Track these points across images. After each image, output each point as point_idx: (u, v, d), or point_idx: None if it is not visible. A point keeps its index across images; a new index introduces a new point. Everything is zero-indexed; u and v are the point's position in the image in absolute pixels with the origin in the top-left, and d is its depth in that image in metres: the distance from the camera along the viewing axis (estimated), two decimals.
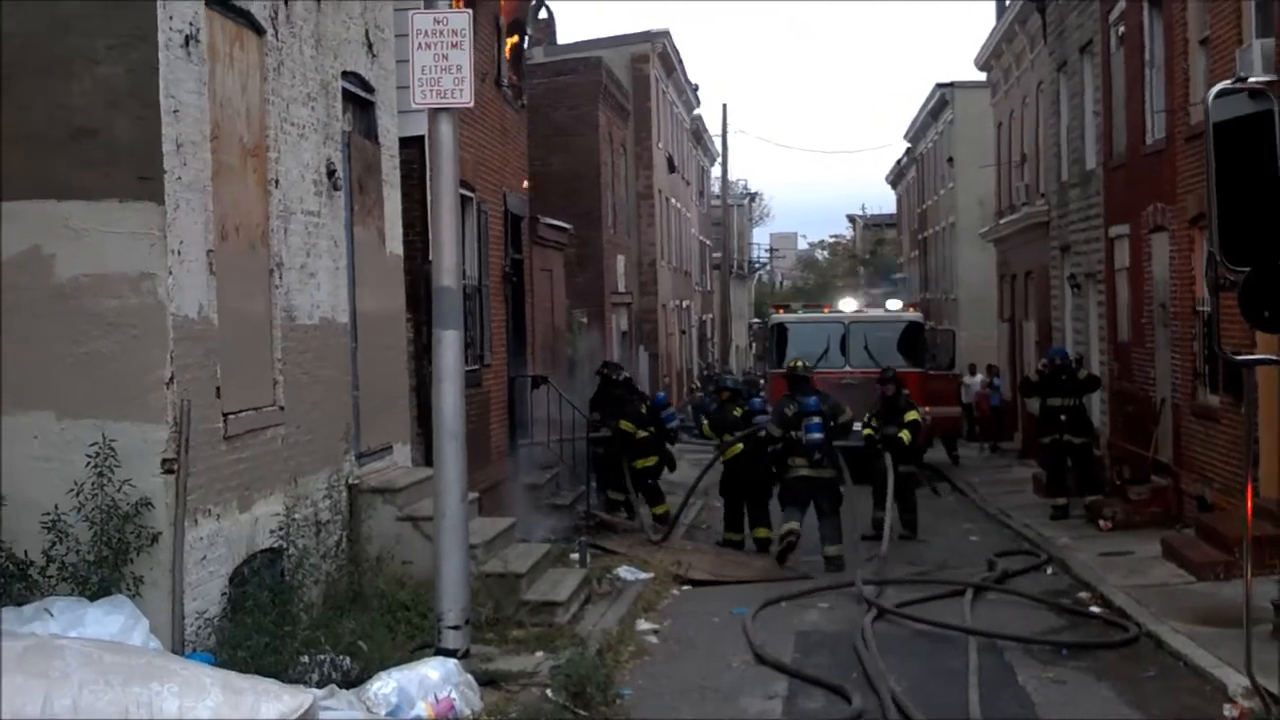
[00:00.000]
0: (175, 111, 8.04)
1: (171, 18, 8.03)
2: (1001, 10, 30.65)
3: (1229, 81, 6.04)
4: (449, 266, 9.49)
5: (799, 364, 17.13)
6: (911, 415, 17.79)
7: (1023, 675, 10.20)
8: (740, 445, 16.63)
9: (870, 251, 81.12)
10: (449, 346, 9.43)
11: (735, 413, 16.94)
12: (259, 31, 9.58)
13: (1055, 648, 11.11)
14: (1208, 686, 9.54)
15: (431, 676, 7.81)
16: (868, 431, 17.81)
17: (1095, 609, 12.57)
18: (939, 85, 41.95)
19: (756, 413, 17.03)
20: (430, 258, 11.57)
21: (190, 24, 8.30)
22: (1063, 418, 18.54)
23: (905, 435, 17.48)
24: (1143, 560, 14.39)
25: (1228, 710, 8.87)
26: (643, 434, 17.86)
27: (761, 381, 30.39)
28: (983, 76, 34.56)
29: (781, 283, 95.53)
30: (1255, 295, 6.12)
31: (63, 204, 7.80)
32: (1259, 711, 8.46)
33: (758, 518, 16.74)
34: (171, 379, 7.83)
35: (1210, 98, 5.89)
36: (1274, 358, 9.31)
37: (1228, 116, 5.86)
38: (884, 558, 15.41)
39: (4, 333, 7.77)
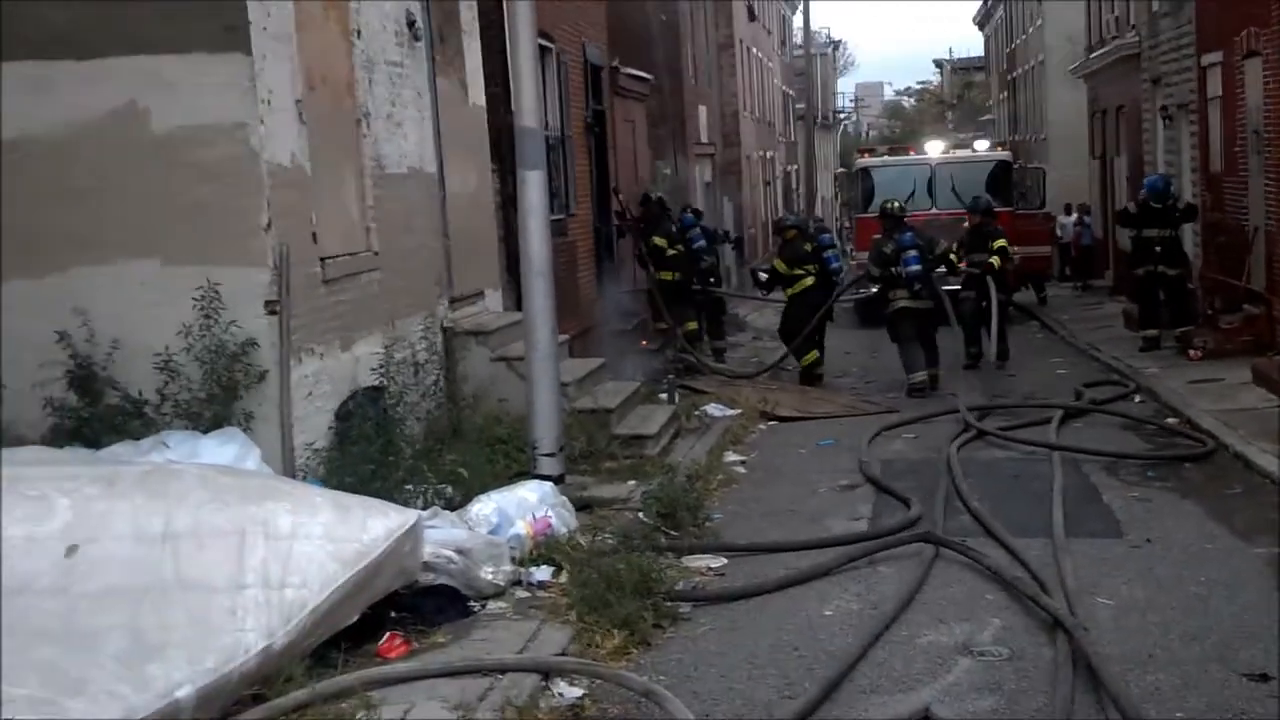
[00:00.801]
0: None
1: None
2: None
3: None
4: (530, 107, 9.66)
5: (893, 204, 17.53)
6: (1000, 242, 18.18)
7: (1108, 495, 10.35)
8: (812, 278, 17.27)
9: (958, 96, 79.32)
10: (533, 186, 9.64)
11: (806, 248, 17.54)
12: None
13: (1141, 468, 11.24)
14: None
15: (529, 498, 8.15)
16: (951, 257, 17.95)
17: (1182, 431, 12.64)
18: None
19: (826, 247, 17.88)
20: (512, 107, 11.72)
21: None
22: (1158, 249, 18.27)
23: (995, 261, 17.85)
24: (1232, 386, 14.35)
25: None
26: (672, 251, 18.72)
27: (847, 226, 30.23)
28: None
29: (868, 132, 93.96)
30: None
31: (154, 58, 8.02)
32: None
33: (812, 342, 17.22)
34: (269, 224, 8.11)
35: None
36: None
37: None
38: (993, 362, 17.10)
39: (107, 184, 8.09)
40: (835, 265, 17.99)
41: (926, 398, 15.55)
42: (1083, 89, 33.09)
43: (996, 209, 20.90)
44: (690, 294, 19.08)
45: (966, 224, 18.90)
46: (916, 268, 16.26)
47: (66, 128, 8.09)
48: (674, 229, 19.21)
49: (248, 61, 8.06)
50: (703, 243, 19.80)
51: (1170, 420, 13.34)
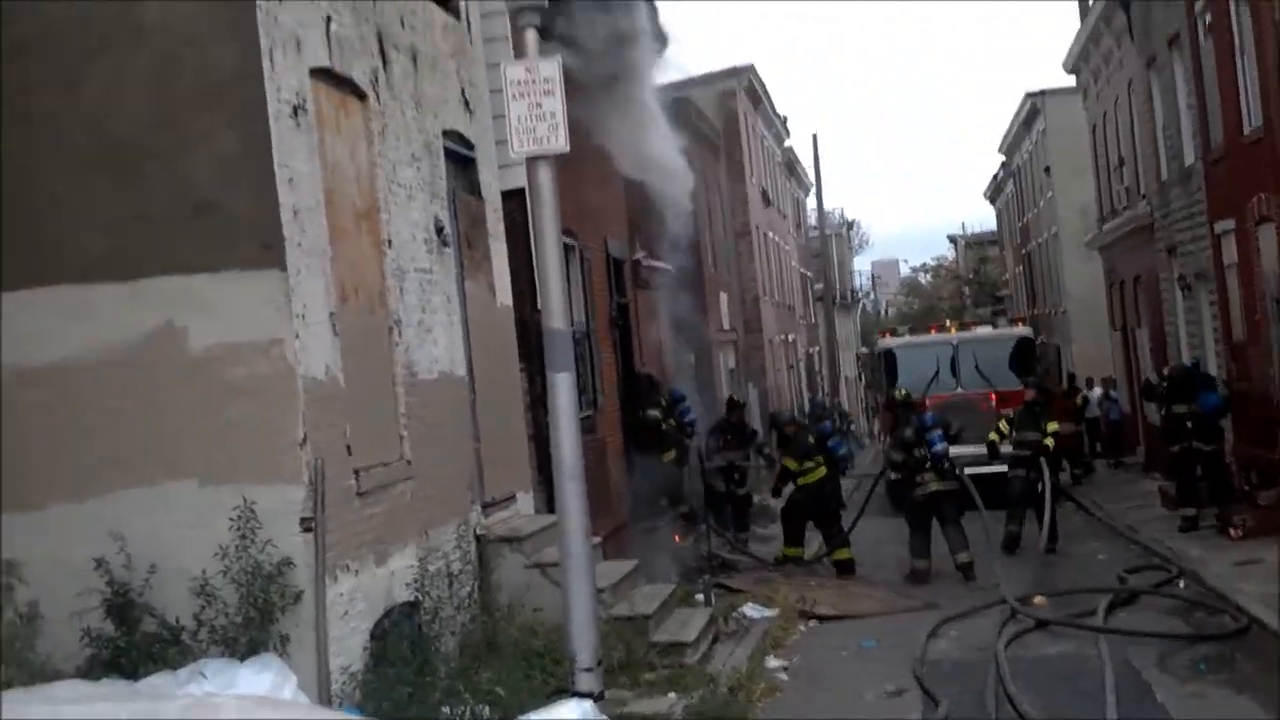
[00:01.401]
0: (290, 180, 8.30)
1: (279, 89, 8.31)
2: (1085, 11, 30.29)
3: None
4: (557, 309, 9.67)
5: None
6: (1054, 425, 18.40)
7: (1161, 691, 10.05)
8: (823, 468, 17.77)
9: (974, 271, 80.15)
10: (563, 388, 9.59)
11: (809, 440, 18.13)
12: (361, 97, 9.86)
13: (1192, 661, 10.93)
14: None
15: None
16: (992, 437, 18.18)
17: (1230, 619, 12.31)
18: (1029, 94, 41.49)
19: (828, 435, 18.63)
20: (539, 306, 11.78)
21: (297, 94, 8.58)
22: (1189, 424, 18.14)
23: (1050, 441, 17.97)
24: (1275, 568, 14.02)
25: None
26: (664, 426, 18.93)
27: (871, 410, 30.25)
28: (1072, 81, 34.12)
29: (886, 310, 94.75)
30: None
31: (191, 278, 8.08)
32: None
33: (835, 537, 17.54)
34: (305, 439, 8.05)
35: None
36: None
37: None
38: (1051, 548, 17.04)
39: (145, 405, 8.06)
40: (842, 452, 18.79)
41: (969, 587, 15.29)
42: (1099, 260, 33.35)
43: (1017, 387, 20.98)
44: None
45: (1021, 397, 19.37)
46: (942, 446, 16.58)
47: (107, 350, 8.10)
48: (663, 402, 19.38)
49: (283, 278, 8.11)
50: (693, 417, 20.02)
51: (1217, 606, 12.99)
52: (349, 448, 8.73)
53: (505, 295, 13.29)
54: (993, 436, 18.09)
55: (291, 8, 8.57)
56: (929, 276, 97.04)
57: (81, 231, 8.12)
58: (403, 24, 10.78)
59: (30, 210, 8.10)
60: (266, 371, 8.05)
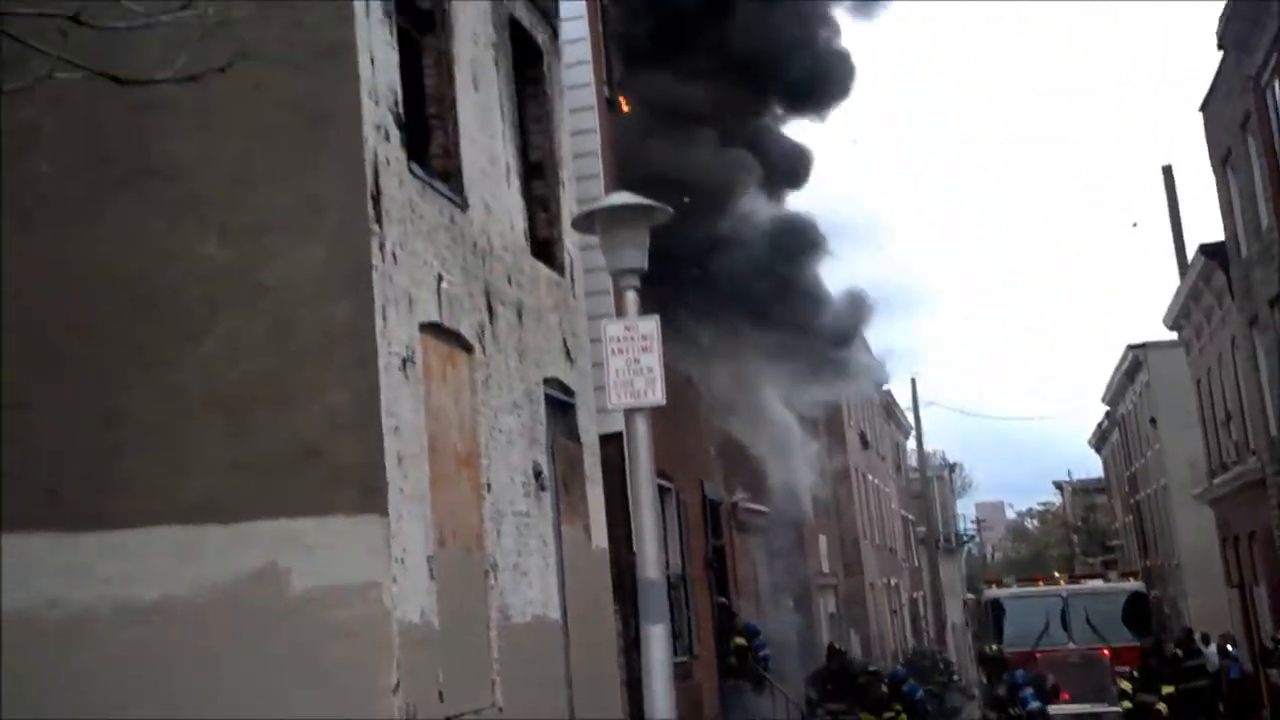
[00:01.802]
0: (396, 429, 8.63)
1: (390, 344, 8.73)
2: (1185, 269, 30.46)
3: None
4: (651, 559, 9.71)
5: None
6: (1169, 689, 17.95)
7: None
8: (904, 716, 17.82)
9: (1082, 519, 78.57)
10: (657, 641, 9.52)
11: (883, 690, 18.14)
12: (468, 349, 10.28)
13: None
14: None
15: None
16: (1125, 703, 17.82)
17: None
18: (1131, 346, 41.37)
19: (902, 681, 18.72)
20: (634, 549, 11.86)
21: (406, 348, 8.99)
22: None
23: (1162, 707, 17.58)
24: None
25: None
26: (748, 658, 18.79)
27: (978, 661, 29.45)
28: (1174, 335, 34.06)
29: (992, 555, 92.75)
30: None
31: (295, 521, 8.36)
32: None
33: None
34: (397, 685, 8.12)
35: None
36: None
37: None
38: None
39: (240, 646, 8.23)
40: (919, 696, 18.71)
41: None
42: (1211, 513, 32.56)
43: (1130, 643, 20.44)
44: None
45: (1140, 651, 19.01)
46: (1037, 704, 16.61)
47: (209, 590, 8.35)
48: (743, 632, 19.29)
49: (384, 523, 8.34)
50: (768, 652, 19.75)
51: None
52: (441, 694, 8.77)
53: (600, 537, 13.42)
54: (1124, 703, 17.86)
55: (405, 268, 9.08)
56: (1035, 522, 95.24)
57: (191, 474, 8.48)
58: (509, 281, 11.30)
59: (142, 452, 8.50)
60: (363, 614, 8.21)
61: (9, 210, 8.64)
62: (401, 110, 9.37)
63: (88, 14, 6.10)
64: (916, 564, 52.95)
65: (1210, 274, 26.99)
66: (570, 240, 13.08)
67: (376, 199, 8.75)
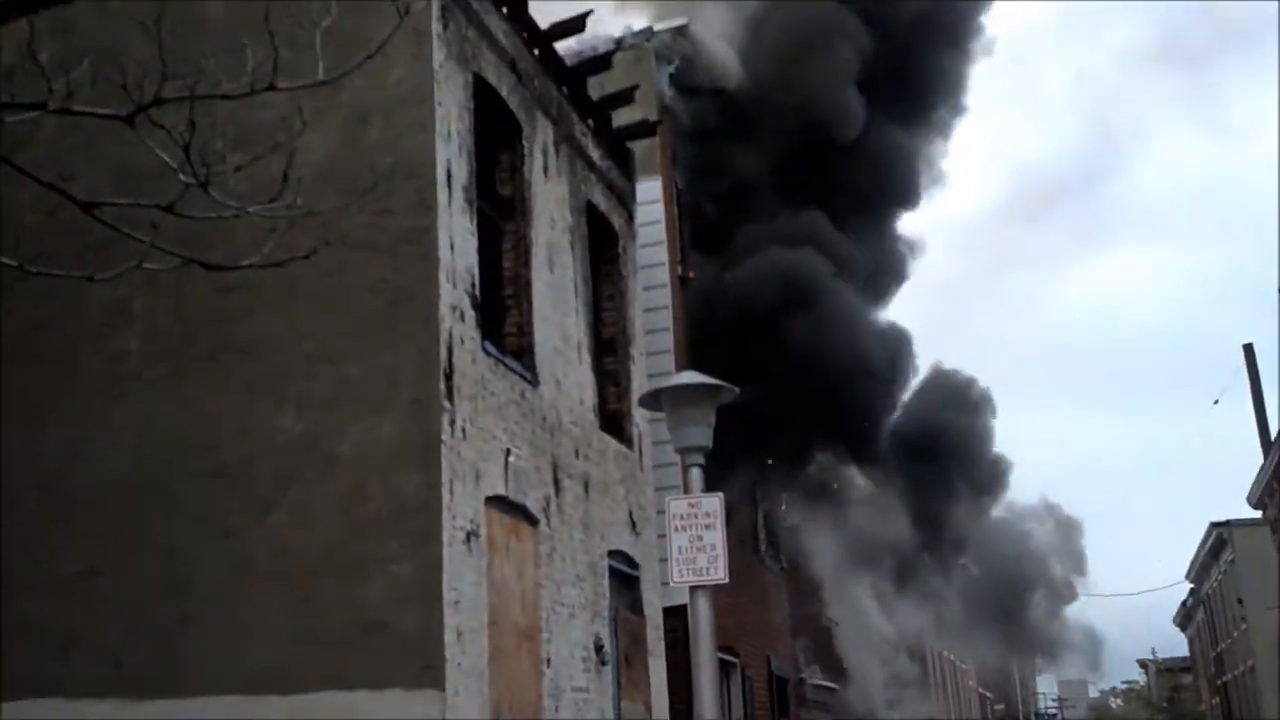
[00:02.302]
0: (456, 603, 8.71)
1: (455, 518, 8.87)
2: (1268, 448, 29.97)
3: None
4: None
5: None
6: None
7: None
8: None
9: (1168, 699, 75.96)
10: None
11: None
12: (533, 522, 10.40)
13: None
14: None
15: None
16: None
17: None
18: (1214, 524, 40.54)
19: None
20: None
21: (472, 521, 9.13)
22: None
23: None
24: None
25: None
26: None
27: None
28: (1258, 514, 33.37)
29: None
30: None
31: (353, 693, 8.42)
32: None
33: None
34: None
35: None
36: None
37: None
38: None
39: None
40: None
41: None
42: None
43: None
44: None
45: None
46: None
47: None
48: None
49: (441, 698, 8.37)
50: None
51: None
52: None
53: (663, 711, 13.27)
54: None
55: (474, 443, 9.28)
56: (1119, 701, 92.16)
57: (255, 645, 8.61)
58: (577, 454, 11.46)
59: (207, 622, 8.67)
60: None
61: (100, 383, 9.01)
62: (478, 291, 9.68)
63: (181, 205, 6.42)
64: None
65: None
66: (639, 414, 13.25)
67: (449, 376, 9.00)
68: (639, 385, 13.08)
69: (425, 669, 8.42)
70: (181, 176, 6.11)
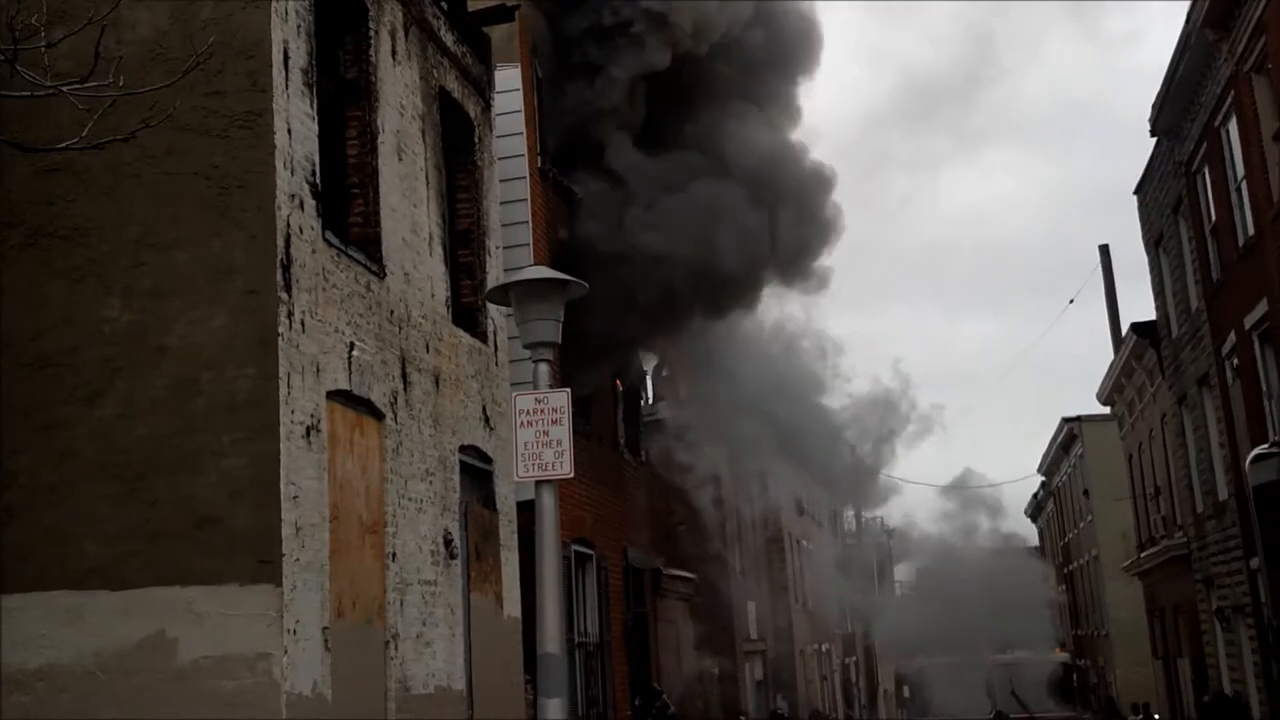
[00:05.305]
0: (295, 498, 8.59)
1: (294, 412, 8.69)
2: (1119, 346, 30.93)
3: (1265, 446, 6.15)
4: (552, 633, 9.67)
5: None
6: None
7: None
8: None
9: None
10: (554, 714, 9.51)
11: None
12: (378, 416, 10.26)
13: None
14: None
15: None
16: None
17: None
18: (1066, 419, 41.84)
19: None
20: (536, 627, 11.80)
21: (311, 416, 8.96)
22: None
23: None
24: None
25: None
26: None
27: None
28: (1107, 410, 34.51)
29: None
30: None
31: (186, 589, 8.30)
32: None
33: None
34: None
35: (1248, 464, 6.00)
36: None
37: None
38: None
39: (125, 714, 8.12)
40: None
41: None
42: (1140, 585, 32.89)
43: (1060, 713, 20.53)
44: None
45: None
46: None
47: (95, 658, 8.25)
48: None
49: (277, 593, 8.29)
50: (673, 711, 19.65)
51: None
52: None
53: (514, 607, 13.34)
54: None
55: (314, 336, 9.06)
56: None
57: (83, 539, 8.40)
58: (427, 348, 11.30)
59: (34, 516, 8.42)
60: (251, 686, 8.14)
61: None
62: (319, 179, 9.39)
63: None
64: (850, 630, 52.93)
65: (1142, 352, 27.41)
66: (496, 308, 13.10)
67: (287, 266, 8.75)
68: (495, 279, 12.90)
69: (261, 564, 8.32)
70: None
